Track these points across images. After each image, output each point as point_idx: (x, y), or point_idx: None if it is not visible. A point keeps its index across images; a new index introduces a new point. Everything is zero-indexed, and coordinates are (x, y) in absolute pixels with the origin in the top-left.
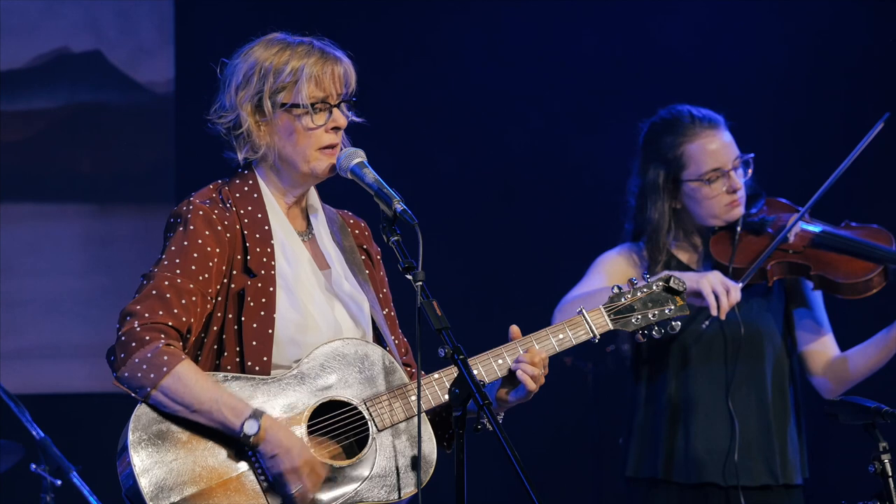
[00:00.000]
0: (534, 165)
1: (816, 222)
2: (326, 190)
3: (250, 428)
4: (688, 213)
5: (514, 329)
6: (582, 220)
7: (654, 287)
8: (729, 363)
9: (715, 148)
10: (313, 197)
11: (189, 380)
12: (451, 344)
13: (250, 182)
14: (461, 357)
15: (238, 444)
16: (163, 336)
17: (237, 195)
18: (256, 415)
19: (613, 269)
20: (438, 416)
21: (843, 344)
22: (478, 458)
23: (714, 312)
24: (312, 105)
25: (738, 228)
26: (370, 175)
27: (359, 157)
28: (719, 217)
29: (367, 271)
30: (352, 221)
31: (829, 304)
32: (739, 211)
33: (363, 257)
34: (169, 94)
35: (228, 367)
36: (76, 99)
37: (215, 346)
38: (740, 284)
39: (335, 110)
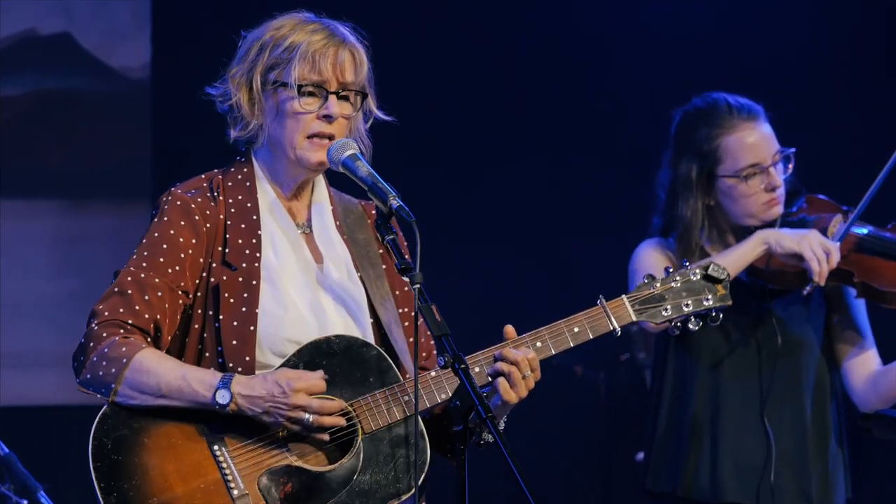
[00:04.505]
0: (539, 164)
1: (862, 223)
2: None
3: (223, 398)
4: (722, 211)
5: (509, 329)
6: (590, 220)
7: (692, 275)
8: (764, 375)
9: (753, 141)
10: (319, 186)
11: (151, 364)
12: (452, 351)
13: (245, 170)
14: (462, 366)
15: (207, 446)
16: (121, 331)
17: (229, 184)
18: (225, 381)
19: (657, 262)
20: (435, 421)
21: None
22: (480, 471)
23: (816, 278)
24: (301, 87)
25: (777, 229)
26: (363, 169)
27: (350, 149)
28: (756, 216)
29: (384, 266)
30: (373, 212)
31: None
32: (778, 210)
33: (380, 251)
34: (145, 81)
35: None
36: (44, 85)
37: (199, 347)
38: (839, 243)
39: (331, 97)
